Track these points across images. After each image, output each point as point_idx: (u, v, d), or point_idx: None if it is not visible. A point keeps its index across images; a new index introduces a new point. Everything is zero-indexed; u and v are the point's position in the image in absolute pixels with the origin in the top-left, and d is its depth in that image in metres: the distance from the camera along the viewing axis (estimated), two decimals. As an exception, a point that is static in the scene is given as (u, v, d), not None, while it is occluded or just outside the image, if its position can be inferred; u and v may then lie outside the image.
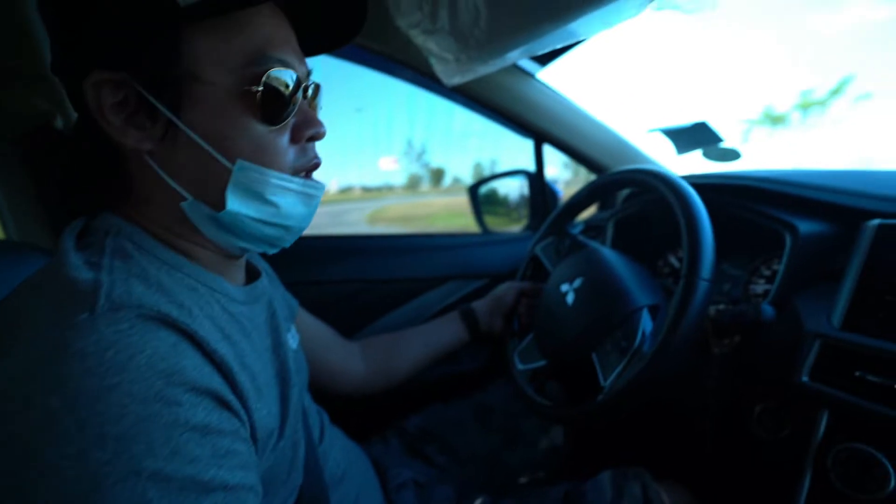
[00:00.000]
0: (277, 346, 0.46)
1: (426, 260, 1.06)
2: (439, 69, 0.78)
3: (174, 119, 0.37)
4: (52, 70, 0.39)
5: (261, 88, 0.37)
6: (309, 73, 0.43)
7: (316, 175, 0.45)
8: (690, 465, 0.72)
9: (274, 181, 0.39)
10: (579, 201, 0.84)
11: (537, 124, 1.06)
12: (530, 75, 1.04)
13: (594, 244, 0.80)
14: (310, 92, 0.42)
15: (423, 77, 0.98)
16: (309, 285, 0.95)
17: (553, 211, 0.89)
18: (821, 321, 0.54)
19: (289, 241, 0.44)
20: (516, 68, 1.02)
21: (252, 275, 0.50)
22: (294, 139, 0.41)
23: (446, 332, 0.82)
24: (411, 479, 0.69)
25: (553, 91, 1.06)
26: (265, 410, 0.39)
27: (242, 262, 0.48)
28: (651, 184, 0.68)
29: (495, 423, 0.83)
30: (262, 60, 0.38)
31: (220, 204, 0.39)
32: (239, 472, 0.32)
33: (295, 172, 0.41)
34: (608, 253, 0.73)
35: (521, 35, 0.65)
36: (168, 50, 0.36)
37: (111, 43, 0.36)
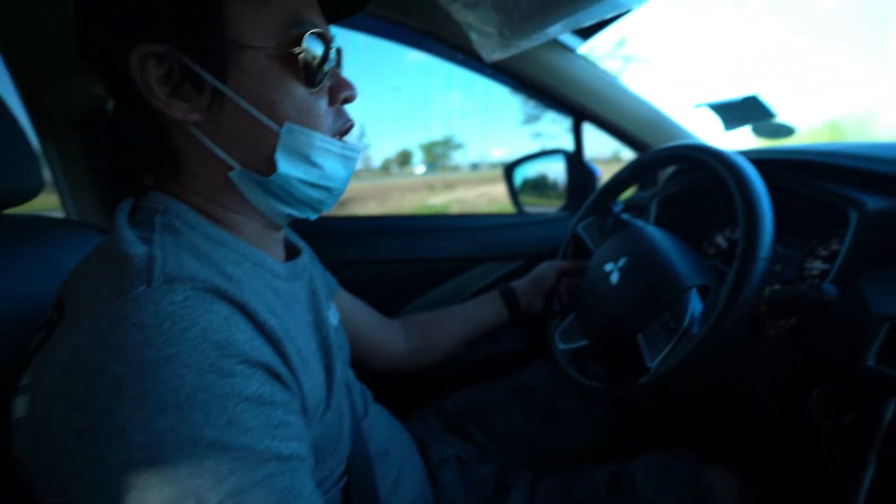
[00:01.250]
0: (319, 322, 0.47)
1: (462, 240, 1.06)
2: (479, 44, 0.76)
3: (221, 87, 0.38)
4: (81, 53, 0.40)
5: (301, 50, 0.38)
6: (333, 38, 0.43)
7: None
8: (739, 448, 0.70)
9: (318, 143, 0.40)
10: (623, 179, 0.82)
11: (577, 101, 1.03)
12: (571, 50, 1.01)
13: (639, 223, 0.78)
14: (333, 56, 0.42)
15: (461, 54, 0.96)
16: (346, 265, 0.96)
17: (593, 190, 0.87)
18: (890, 303, 0.51)
19: (330, 205, 0.46)
20: (557, 43, 0.99)
21: (292, 253, 0.51)
22: (331, 101, 0.42)
23: (486, 310, 0.81)
24: (454, 456, 0.70)
25: (594, 66, 1.03)
26: (311, 382, 0.40)
27: (282, 237, 0.49)
28: (702, 159, 0.65)
29: (534, 403, 0.83)
30: (299, 24, 0.39)
31: (268, 169, 0.40)
32: (292, 443, 0.33)
33: (333, 135, 0.43)
34: (654, 231, 0.71)
35: (566, 5, 0.62)
36: (212, 19, 0.37)
37: (157, 16, 0.36)
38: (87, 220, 0.62)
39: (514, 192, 1.27)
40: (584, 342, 0.72)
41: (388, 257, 1.00)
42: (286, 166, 0.40)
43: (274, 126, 0.39)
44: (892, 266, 0.56)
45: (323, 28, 0.41)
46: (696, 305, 0.59)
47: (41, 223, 0.52)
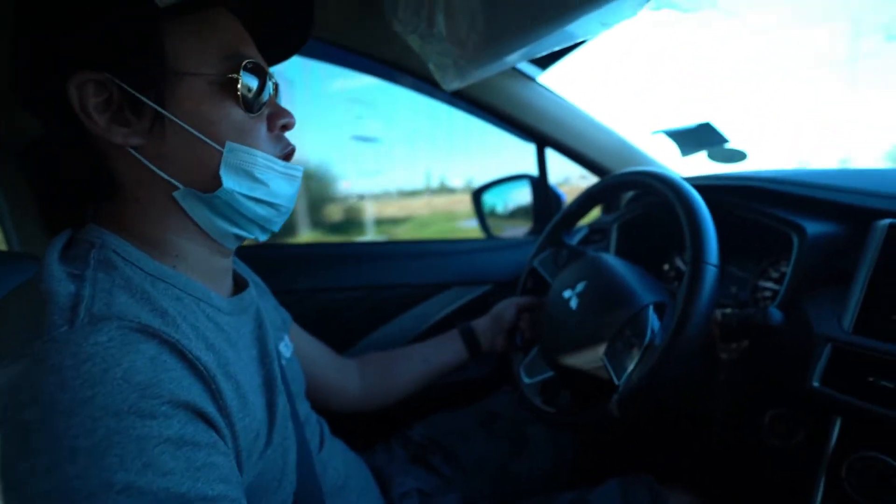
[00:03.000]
0: (264, 357, 0.46)
1: (427, 266, 1.05)
2: (438, 74, 0.78)
3: (163, 112, 0.39)
4: (14, 84, 0.40)
5: (238, 77, 0.40)
6: (271, 74, 0.46)
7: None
8: (700, 472, 0.70)
9: (261, 161, 0.42)
10: (574, 210, 0.84)
11: (539, 128, 1.05)
12: (531, 79, 1.03)
13: (591, 251, 0.79)
14: (270, 87, 0.45)
15: (425, 83, 0.98)
16: (307, 294, 0.95)
17: (552, 219, 0.88)
18: (831, 324, 0.53)
19: (278, 224, 0.47)
20: (517, 72, 1.01)
21: (240, 287, 0.50)
22: (270, 128, 0.44)
23: (445, 351, 0.81)
24: (415, 489, 0.68)
25: (554, 94, 1.06)
26: (248, 419, 0.39)
27: (229, 268, 0.49)
28: (645, 182, 0.68)
29: (501, 430, 0.82)
30: (237, 55, 0.41)
31: (212, 186, 0.41)
32: (219, 484, 0.32)
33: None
34: (608, 257, 0.73)
35: (518, 38, 0.64)
36: (152, 48, 0.38)
37: (95, 45, 0.37)
38: (31, 253, 0.59)
39: (481, 217, 1.28)
40: (550, 373, 0.71)
41: (352, 284, 0.99)
42: (230, 182, 0.41)
43: (216, 145, 0.40)
44: (832, 289, 0.58)
45: (260, 62, 0.43)
46: (654, 322, 0.60)
47: None
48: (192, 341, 0.35)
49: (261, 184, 0.42)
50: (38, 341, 0.30)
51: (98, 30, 0.37)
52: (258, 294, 0.52)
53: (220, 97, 0.40)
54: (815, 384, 0.50)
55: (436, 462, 0.77)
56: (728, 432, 0.64)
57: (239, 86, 0.40)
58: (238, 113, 0.41)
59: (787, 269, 0.62)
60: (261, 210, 0.43)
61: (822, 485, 0.49)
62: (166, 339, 0.33)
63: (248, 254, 0.95)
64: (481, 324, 0.83)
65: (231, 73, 0.40)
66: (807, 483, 0.51)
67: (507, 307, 0.82)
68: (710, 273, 0.54)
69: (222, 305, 0.44)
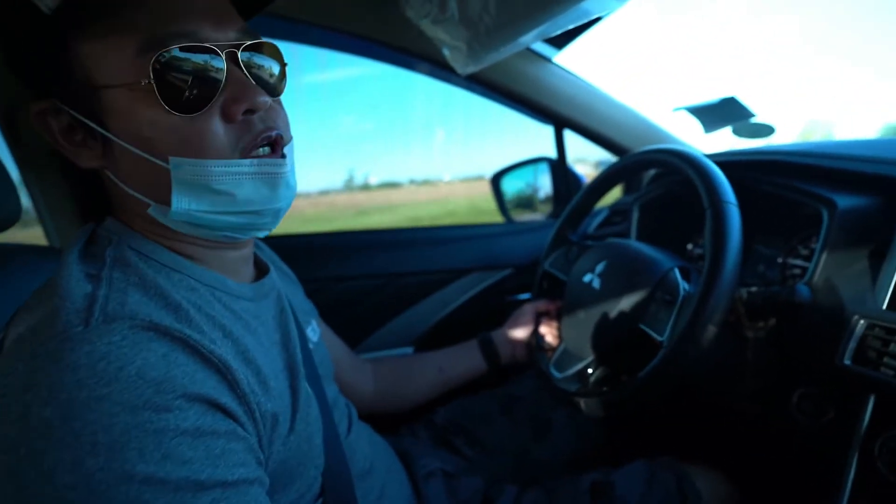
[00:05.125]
0: (287, 341, 0.46)
1: (446, 252, 1.06)
2: (452, 58, 0.77)
3: (101, 131, 0.37)
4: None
5: (152, 78, 0.34)
6: (243, 36, 0.38)
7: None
8: (727, 452, 0.69)
9: (216, 170, 0.36)
10: (579, 206, 0.83)
11: (556, 109, 1.04)
12: (547, 59, 1.02)
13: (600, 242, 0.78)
14: (241, 57, 0.37)
15: (439, 68, 0.97)
16: (325, 283, 0.96)
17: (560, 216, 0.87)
18: (865, 301, 0.51)
19: (270, 224, 0.42)
20: (532, 53, 1.00)
21: (262, 272, 0.50)
22: (228, 118, 0.37)
23: (463, 361, 0.81)
24: (439, 469, 0.69)
25: (571, 74, 1.04)
26: (271, 403, 0.39)
27: (248, 255, 0.48)
28: (653, 159, 0.68)
29: (523, 414, 0.82)
30: (157, 42, 0.34)
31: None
32: (238, 469, 0.33)
33: (244, 154, 0.38)
34: (622, 239, 0.72)
35: (533, 17, 0.63)
36: (60, 63, 0.36)
37: (28, 73, 0.37)
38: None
39: (501, 202, 1.27)
40: (580, 364, 0.69)
41: (371, 272, 1.00)
42: (184, 202, 0.37)
43: (160, 162, 0.36)
44: (866, 264, 0.56)
45: (202, 36, 0.36)
46: (683, 283, 0.60)
47: (16, 251, 0.52)
48: (206, 334, 0.35)
49: (223, 195, 0.37)
50: (54, 341, 0.30)
51: (13, 54, 0.37)
52: (287, 283, 0.53)
53: (144, 105, 0.35)
54: (847, 362, 0.49)
55: (458, 443, 0.78)
56: (755, 412, 0.63)
57: (156, 89, 0.34)
58: (171, 120, 0.35)
59: (817, 246, 0.60)
60: (237, 219, 0.39)
61: (854, 463, 0.48)
62: (178, 336, 0.33)
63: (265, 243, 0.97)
64: (500, 334, 0.82)
65: (147, 74, 0.34)
66: (837, 462, 0.50)
67: (523, 313, 0.82)
68: (732, 210, 0.54)
69: (242, 292, 0.44)
